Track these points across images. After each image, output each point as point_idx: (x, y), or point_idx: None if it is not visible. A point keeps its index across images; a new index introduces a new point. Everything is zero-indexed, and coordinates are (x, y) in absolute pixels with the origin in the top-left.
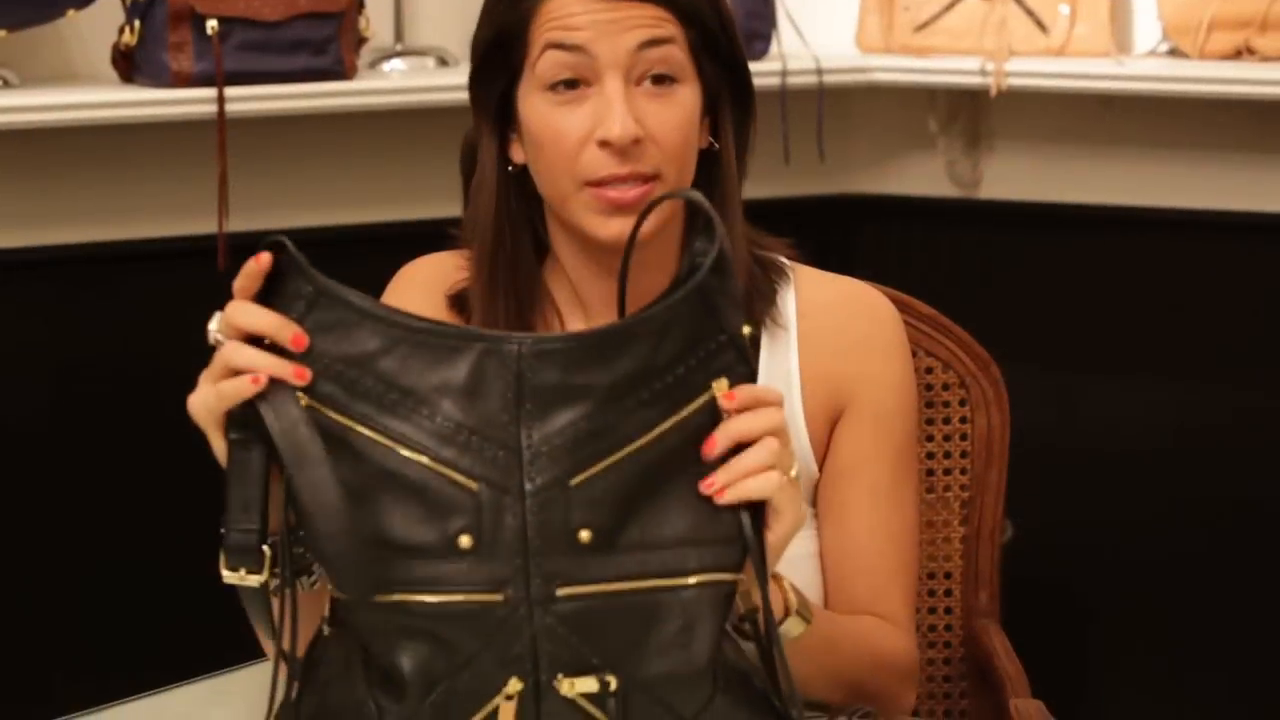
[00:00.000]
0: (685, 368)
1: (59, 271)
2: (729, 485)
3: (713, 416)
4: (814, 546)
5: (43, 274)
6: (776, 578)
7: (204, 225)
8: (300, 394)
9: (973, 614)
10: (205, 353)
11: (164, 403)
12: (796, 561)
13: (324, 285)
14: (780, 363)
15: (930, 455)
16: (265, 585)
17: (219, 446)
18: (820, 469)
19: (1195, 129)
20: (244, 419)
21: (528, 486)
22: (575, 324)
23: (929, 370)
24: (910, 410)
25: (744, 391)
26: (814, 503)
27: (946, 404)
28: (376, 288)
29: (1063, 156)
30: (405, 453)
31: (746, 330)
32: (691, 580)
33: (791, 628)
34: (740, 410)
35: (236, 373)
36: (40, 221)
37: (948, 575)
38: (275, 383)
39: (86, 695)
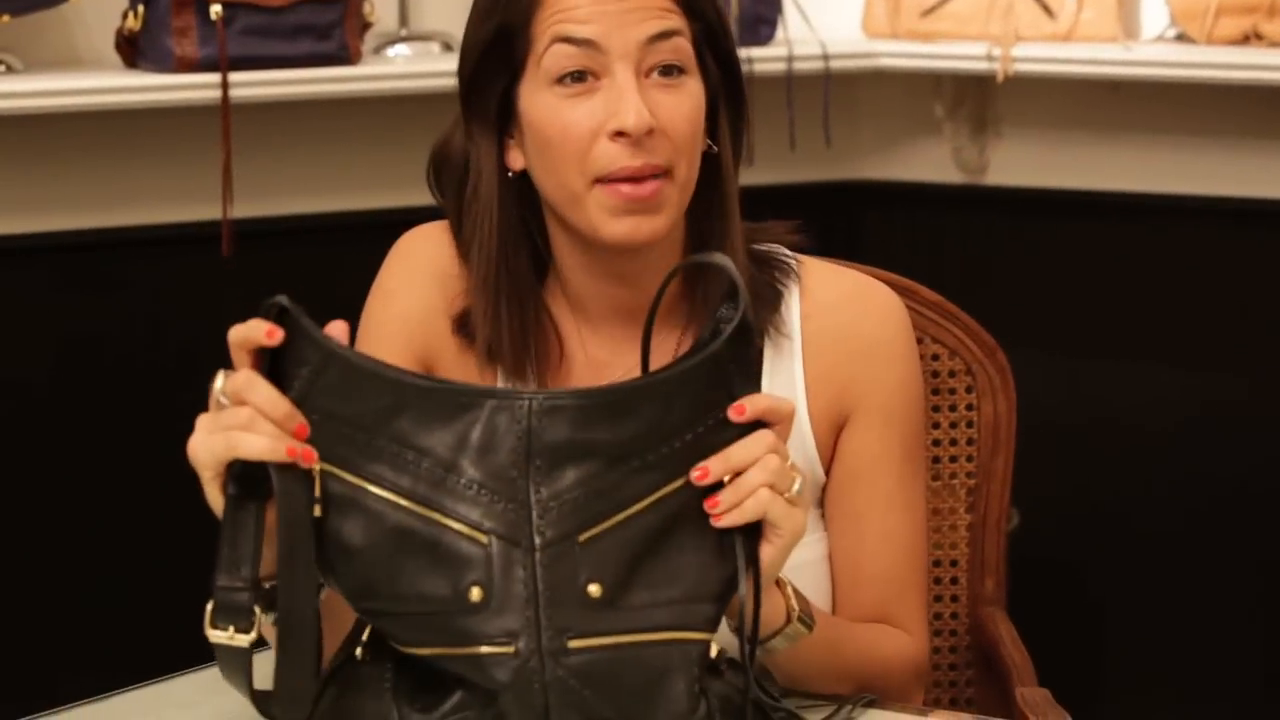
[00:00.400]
0: (693, 434)
1: (62, 258)
2: (728, 509)
3: (718, 484)
4: (822, 550)
5: (46, 260)
6: (780, 583)
7: (208, 211)
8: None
9: (979, 602)
10: (209, 340)
11: (167, 390)
12: (805, 566)
13: (331, 349)
14: (785, 368)
15: (936, 443)
16: (252, 646)
17: (214, 496)
18: (827, 473)
19: (1202, 114)
20: (244, 476)
21: (537, 540)
22: (576, 339)
23: (935, 357)
24: (918, 411)
25: (755, 404)
26: (821, 505)
27: (953, 391)
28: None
29: (1069, 142)
30: (418, 510)
31: None
32: (694, 635)
33: (794, 633)
34: (750, 421)
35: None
36: (44, 207)
37: (954, 563)
38: (290, 466)
39: (87, 684)
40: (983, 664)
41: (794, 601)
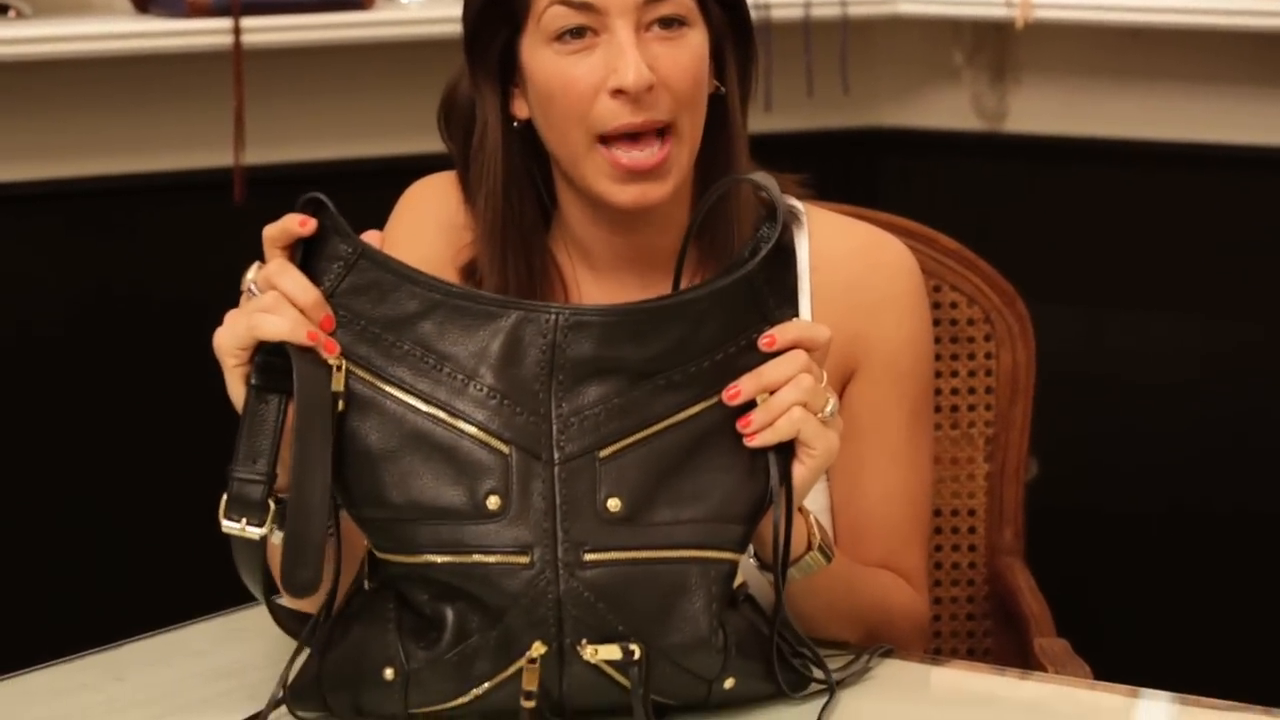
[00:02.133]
0: (724, 353)
1: (72, 205)
2: (760, 428)
3: (747, 405)
4: (825, 501)
5: (56, 207)
6: (803, 511)
7: (220, 158)
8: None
9: (997, 552)
10: (220, 286)
11: (179, 336)
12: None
13: (364, 247)
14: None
15: (954, 391)
16: (264, 539)
17: (235, 387)
18: None
19: (1223, 61)
20: (268, 367)
21: (556, 455)
22: (582, 285)
23: (953, 305)
24: (926, 366)
25: (784, 333)
26: None
27: (971, 339)
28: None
29: (1089, 89)
30: (437, 415)
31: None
32: (719, 554)
33: (813, 562)
34: (778, 352)
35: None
36: (54, 154)
37: (971, 513)
38: (309, 351)
39: (99, 631)
40: (1000, 615)
41: (815, 530)
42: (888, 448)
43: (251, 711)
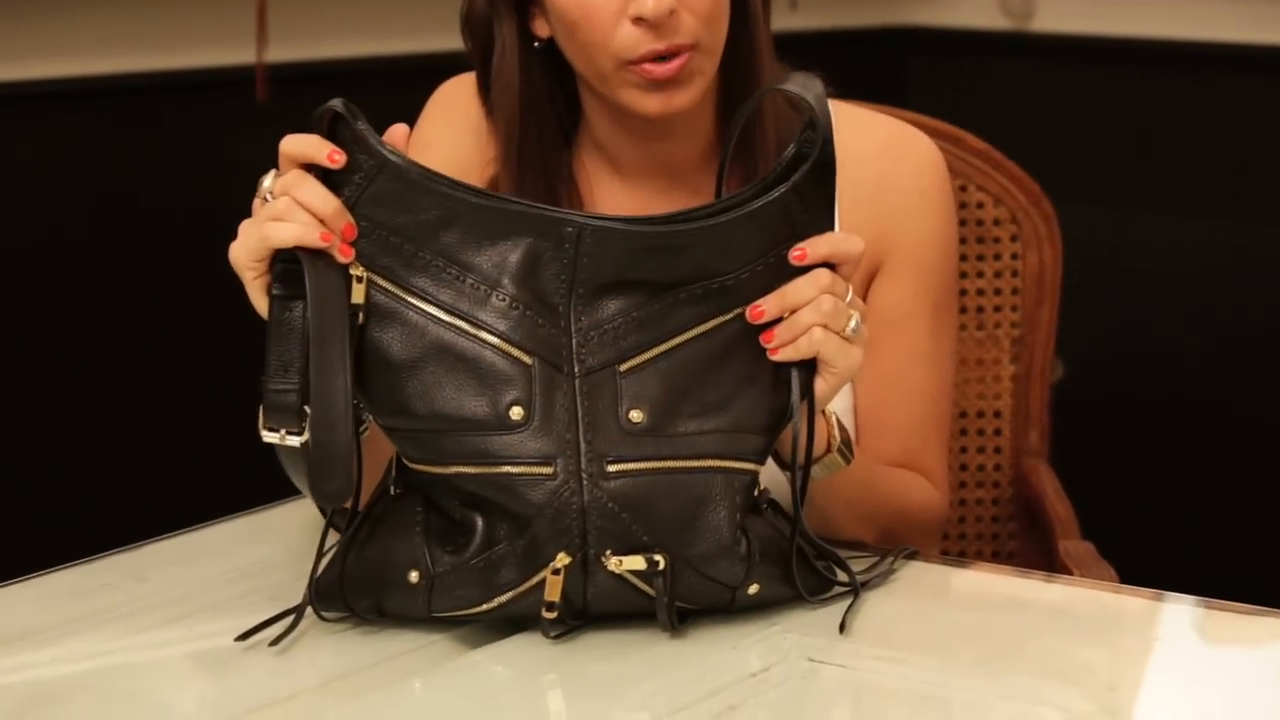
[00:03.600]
0: (750, 271)
1: (93, 103)
2: (783, 344)
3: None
4: (847, 402)
5: (74, 107)
6: (824, 413)
7: (242, 55)
8: (355, 264)
9: (1022, 454)
10: (242, 188)
11: (202, 237)
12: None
13: (385, 157)
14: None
15: (980, 292)
16: (306, 445)
17: (258, 299)
18: None
19: None
20: (288, 275)
21: (577, 368)
22: (608, 193)
23: (980, 205)
24: (951, 263)
25: (815, 248)
26: None
27: (997, 240)
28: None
29: None
30: (460, 325)
31: None
32: (741, 465)
33: (832, 464)
34: (812, 265)
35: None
36: (75, 52)
37: (997, 414)
38: (325, 256)
39: (120, 530)
40: (1025, 517)
41: (836, 431)
42: (910, 344)
43: (274, 612)
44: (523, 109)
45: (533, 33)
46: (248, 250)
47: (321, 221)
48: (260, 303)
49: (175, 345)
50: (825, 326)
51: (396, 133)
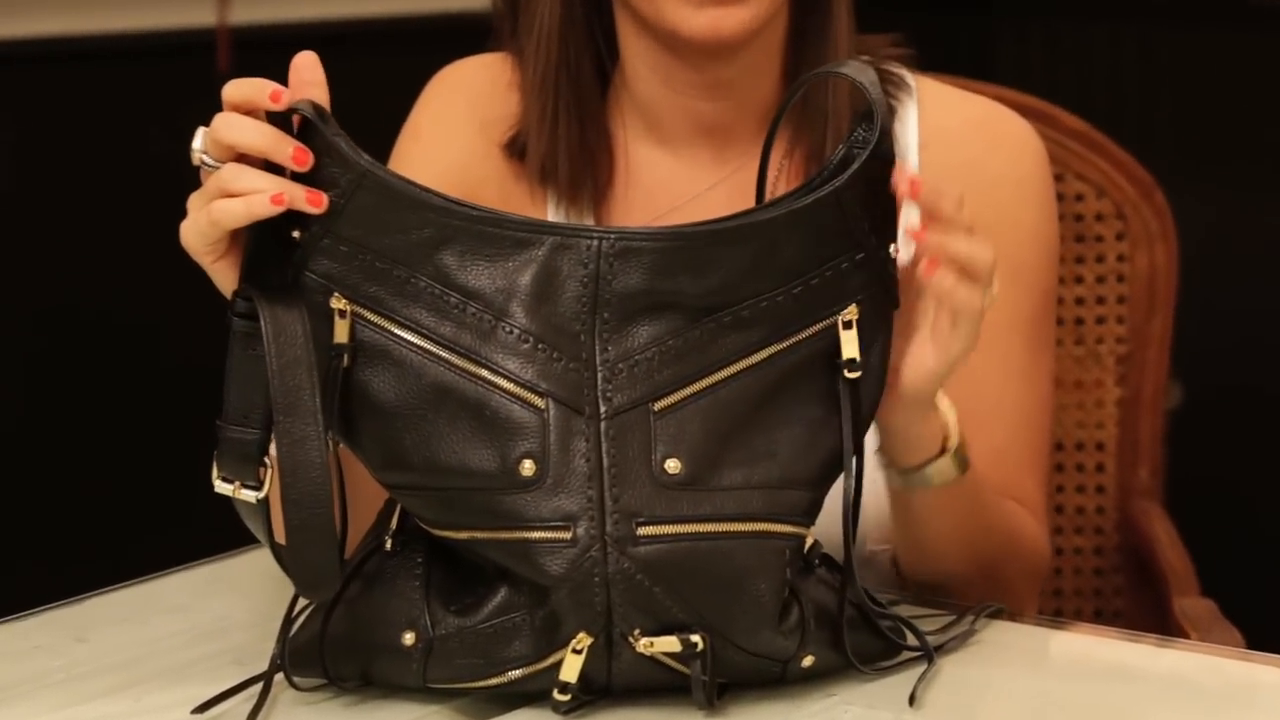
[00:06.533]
0: (804, 286)
1: (39, 68)
2: (932, 260)
3: (830, 349)
4: None
5: (19, 69)
6: (938, 408)
7: (202, 16)
8: (338, 296)
9: (1130, 494)
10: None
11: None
12: None
13: (363, 169)
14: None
15: (1079, 301)
16: (266, 501)
17: (223, 281)
18: None
19: None
20: (248, 311)
21: (603, 409)
22: (647, 163)
23: (1079, 198)
24: (1052, 263)
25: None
26: None
27: (1100, 239)
28: (404, 93)
29: None
30: (461, 364)
31: (894, 249)
32: (789, 529)
33: (944, 471)
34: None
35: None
36: (19, 9)
37: (1100, 447)
38: (285, 296)
39: (54, 584)
40: (1134, 569)
41: (953, 429)
42: (1004, 359)
43: (239, 679)
44: (562, 32)
45: None
46: (199, 236)
47: (265, 155)
48: (227, 285)
49: (120, 358)
50: (970, 278)
51: (302, 62)
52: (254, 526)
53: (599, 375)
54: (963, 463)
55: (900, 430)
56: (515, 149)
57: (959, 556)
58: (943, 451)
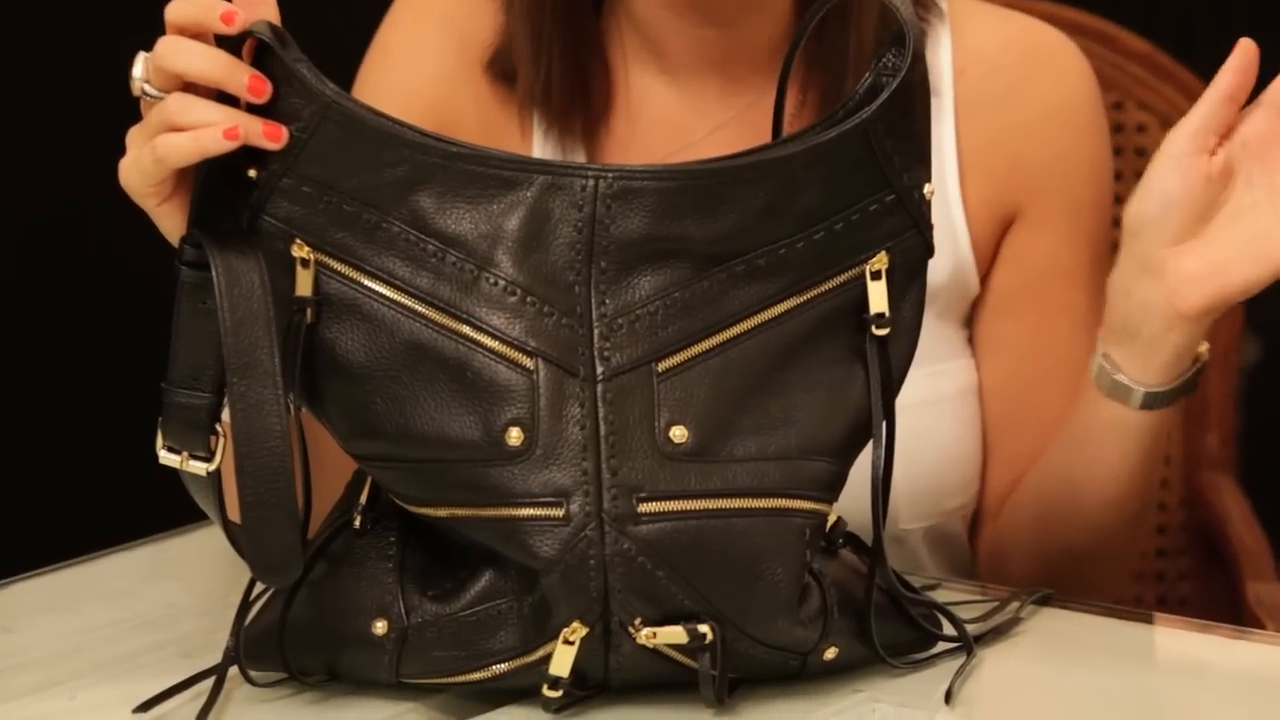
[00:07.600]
0: (826, 231)
1: None
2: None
3: (857, 303)
4: (967, 380)
5: None
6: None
7: None
8: (300, 243)
9: (1198, 465)
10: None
11: (95, 156)
12: (945, 401)
13: (328, 99)
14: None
15: None
16: (217, 473)
17: (166, 223)
18: (983, 282)
19: None
20: (200, 256)
21: (599, 369)
22: (648, 87)
23: (1141, 129)
24: (1109, 203)
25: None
26: (968, 324)
27: None
28: (371, 9)
29: None
30: (439, 319)
31: (929, 190)
32: (809, 505)
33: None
34: None
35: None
36: None
37: None
38: (240, 243)
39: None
40: (1202, 550)
41: (1205, 347)
42: (1067, 309)
43: (188, 673)
44: None
45: None
46: (141, 174)
47: (216, 86)
48: (174, 231)
49: (45, 310)
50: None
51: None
52: (204, 502)
53: (595, 332)
54: (1192, 383)
55: (1176, 347)
56: (498, 70)
57: (1136, 494)
58: (1195, 363)
